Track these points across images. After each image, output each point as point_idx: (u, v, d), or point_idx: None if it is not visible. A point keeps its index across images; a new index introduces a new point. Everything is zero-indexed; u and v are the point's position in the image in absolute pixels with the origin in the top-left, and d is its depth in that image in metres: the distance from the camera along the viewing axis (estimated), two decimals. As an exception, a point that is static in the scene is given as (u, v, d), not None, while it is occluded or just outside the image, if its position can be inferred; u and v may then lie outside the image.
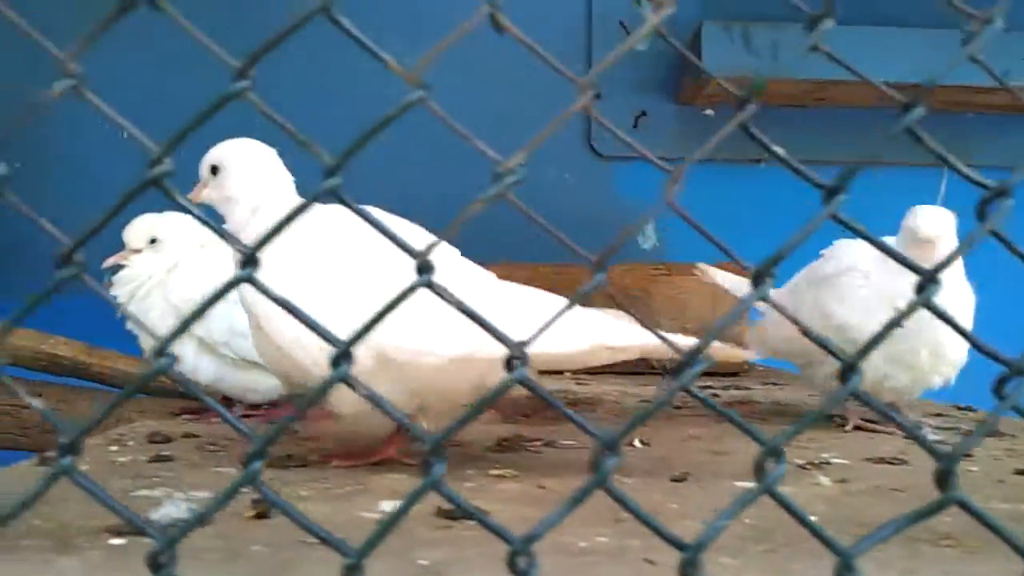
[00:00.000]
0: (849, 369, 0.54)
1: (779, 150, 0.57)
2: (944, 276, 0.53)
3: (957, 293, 1.21)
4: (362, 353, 0.86)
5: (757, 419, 1.33)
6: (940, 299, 0.54)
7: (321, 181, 0.49)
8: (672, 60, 2.82)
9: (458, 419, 0.55)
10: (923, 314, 0.54)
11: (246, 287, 0.52)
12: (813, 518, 0.72)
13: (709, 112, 2.80)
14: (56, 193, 2.74)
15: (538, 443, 1.10)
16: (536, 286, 1.04)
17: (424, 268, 0.50)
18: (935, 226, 1.17)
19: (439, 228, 0.52)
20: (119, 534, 0.68)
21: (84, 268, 0.49)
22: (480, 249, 1.03)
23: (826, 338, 0.56)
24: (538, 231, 0.54)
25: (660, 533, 0.54)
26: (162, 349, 0.50)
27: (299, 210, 0.49)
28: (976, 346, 0.55)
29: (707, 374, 2.02)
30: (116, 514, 0.53)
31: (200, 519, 0.53)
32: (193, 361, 1.34)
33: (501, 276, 1.05)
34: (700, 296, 2.06)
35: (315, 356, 0.89)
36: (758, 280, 0.55)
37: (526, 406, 1.35)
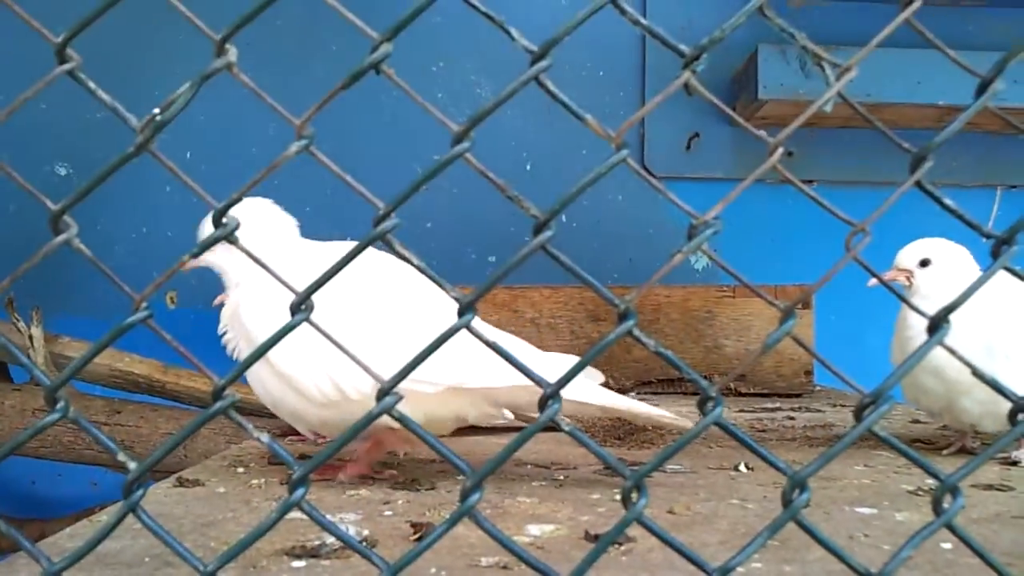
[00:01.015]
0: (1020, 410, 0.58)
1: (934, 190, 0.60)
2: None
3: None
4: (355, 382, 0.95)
5: (863, 446, 1.34)
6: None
7: (372, 227, 0.53)
8: (726, 82, 2.85)
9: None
10: None
11: (255, 323, 0.55)
12: (947, 545, 0.76)
13: (763, 134, 2.82)
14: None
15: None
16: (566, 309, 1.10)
17: (465, 311, 0.54)
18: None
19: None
20: (298, 556, 0.72)
21: (151, 315, 0.54)
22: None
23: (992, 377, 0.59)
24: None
25: (848, 563, 0.57)
26: (222, 388, 0.54)
27: (352, 255, 0.53)
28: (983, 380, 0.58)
29: (775, 395, 2.05)
30: (336, 536, 0.56)
31: (437, 536, 0.56)
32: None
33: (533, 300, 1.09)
34: (764, 319, 2.09)
35: (322, 389, 0.98)
36: (935, 327, 0.58)
37: (620, 429, 1.38)
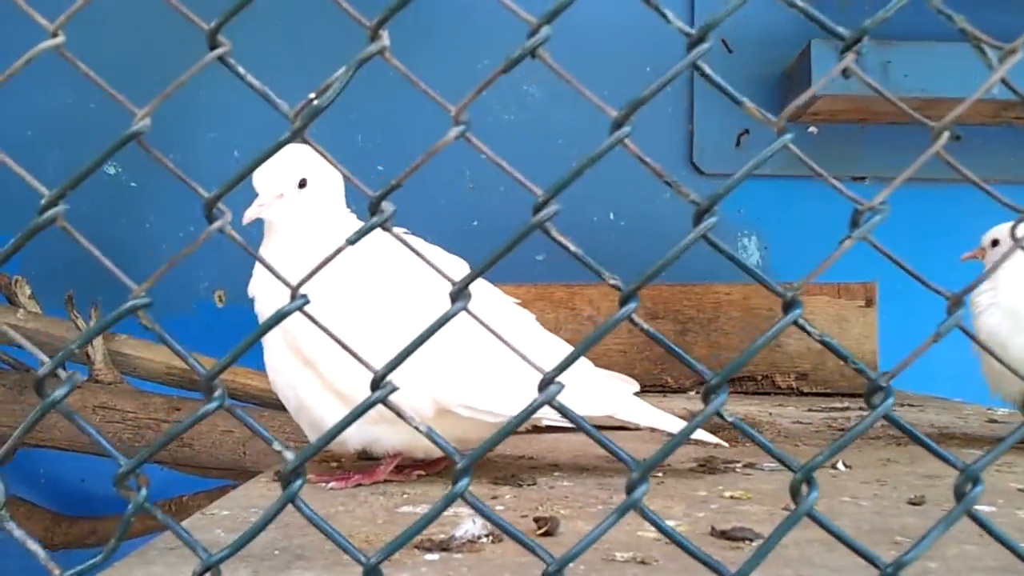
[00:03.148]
0: None
1: (969, 173, 0.59)
2: None
3: None
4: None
5: (951, 444, 1.32)
6: None
7: (368, 214, 0.53)
8: (777, 77, 2.82)
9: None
10: None
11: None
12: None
13: (813, 130, 2.80)
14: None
15: (739, 463, 1.11)
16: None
17: (458, 297, 0.53)
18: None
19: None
20: (428, 550, 0.71)
21: (149, 303, 0.54)
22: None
23: None
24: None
25: (1020, 555, 0.56)
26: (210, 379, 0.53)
27: (349, 244, 0.53)
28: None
29: (843, 395, 2.02)
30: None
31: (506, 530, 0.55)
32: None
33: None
34: (826, 316, 2.07)
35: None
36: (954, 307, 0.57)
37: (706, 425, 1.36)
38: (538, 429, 1.22)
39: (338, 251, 0.53)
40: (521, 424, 0.56)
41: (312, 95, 0.54)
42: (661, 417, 1.05)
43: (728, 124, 2.84)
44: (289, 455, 0.56)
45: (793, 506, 0.90)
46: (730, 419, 0.56)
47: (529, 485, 0.98)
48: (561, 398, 0.55)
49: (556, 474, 1.04)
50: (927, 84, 2.51)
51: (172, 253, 0.55)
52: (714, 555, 0.71)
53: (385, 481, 0.98)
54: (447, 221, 2.68)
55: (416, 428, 0.56)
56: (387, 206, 0.54)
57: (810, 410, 1.77)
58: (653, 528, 0.78)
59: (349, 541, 0.55)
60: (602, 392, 1.03)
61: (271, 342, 0.96)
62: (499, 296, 1.08)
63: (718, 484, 0.99)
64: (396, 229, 0.89)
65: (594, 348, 1.82)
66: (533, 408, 0.54)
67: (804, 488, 0.56)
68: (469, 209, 2.74)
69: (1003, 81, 0.59)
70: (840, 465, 1.11)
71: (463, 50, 2.63)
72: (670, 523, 0.81)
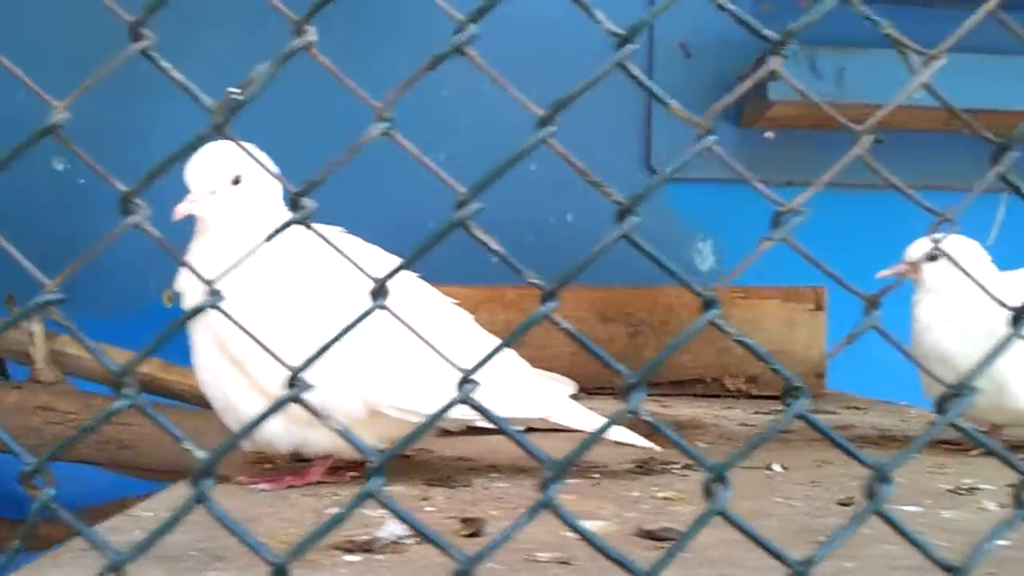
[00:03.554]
0: None
1: (895, 179, 0.60)
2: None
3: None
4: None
5: (871, 445, 1.34)
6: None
7: (288, 208, 0.52)
8: (734, 83, 2.85)
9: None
10: None
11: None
12: (1005, 543, 0.75)
13: (770, 135, 2.83)
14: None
15: (676, 465, 1.11)
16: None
17: (378, 295, 0.52)
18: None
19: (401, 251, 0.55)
20: (349, 551, 0.70)
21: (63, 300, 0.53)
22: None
23: None
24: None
25: (930, 556, 0.56)
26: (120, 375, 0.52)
27: (267, 240, 0.52)
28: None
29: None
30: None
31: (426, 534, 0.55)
32: None
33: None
34: (776, 320, 2.08)
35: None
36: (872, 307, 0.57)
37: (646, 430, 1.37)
38: (478, 430, 1.22)
39: (254, 249, 0.52)
40: (434, 423, 0.55)
41: (233, 89, 0.53)
42: (593, 420, 1.05)
43: (686, 127, 2.85)
44: (201, 454, 0.55)
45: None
46: (647, 418, 0.56)
47: (463, 486, 0.97)
48: (488, 399, 0.54)
49: (493, 475, 1.04)
50: (882, 90, 2.55)
51: (122, 251, 0.54)
52: (637, 555, 0.71)
53: (318, 483, 0.97)
54: (403, 221, 2.67)
55: (332, 428, 0.55)
56: (307, 202, 0.53)
57: (757, 412, 1.78)
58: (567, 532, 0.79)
59: (262, 542, 0.54)
60: (533, 394, 1.02)
61: (199, 342, 0.95)
62: (433, 295, 1.07)
63: (653, 485, 1.00)
64: (329, 228, 0.88)
65: (545, 350, 1.82)
66: (448, 406, 0.54)
67: (718, 487, 0.56)
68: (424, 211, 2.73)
69: (927, 87, 0.60)
70: (776, 466, 1.11)
71: (401, 46, 2.59)
72: (599, 523, 0.82)
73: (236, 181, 0.95)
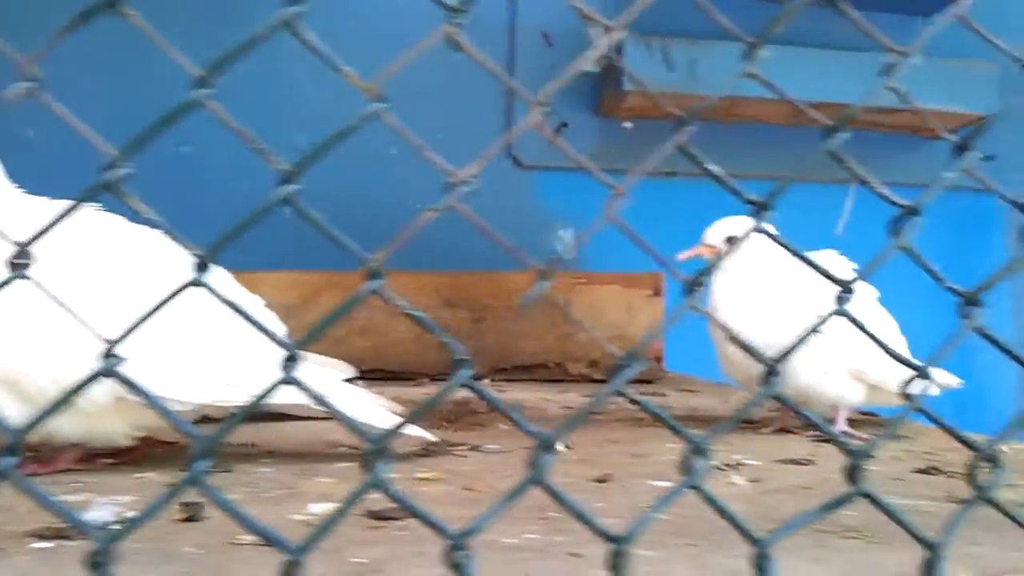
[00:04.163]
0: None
1: (714, 168, 0.60)
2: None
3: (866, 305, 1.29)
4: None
5: (688, 425, 1.36)
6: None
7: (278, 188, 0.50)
8: (593, 73, 2.87)
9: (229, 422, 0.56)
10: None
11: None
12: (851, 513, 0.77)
13: (628, 125, 2.87)
14: None
15: (463, 447, 1.11)
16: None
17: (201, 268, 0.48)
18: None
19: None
20: (42, 538, 0.67)
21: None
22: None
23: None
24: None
25: (592, 525, 0.57)
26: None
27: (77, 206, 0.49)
28: (886, 350, 0.59)
29: (634, 381, 2.06)
30: (58, 515, 0.52)
31: (144, 517, 0.53)
32: None
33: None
34: (616, 305, 2.11)
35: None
36: (691, 289, 0.58)
37: (451, 412, 1.36)
38: (274, 416, 1.19)
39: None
40: (70, 399, 0.52)
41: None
42: (365, 407, 1.02)
43: (548, 117, 2.88)
44: None
45: (475, 488, 0.90)
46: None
47: (223, 471, 0.95)
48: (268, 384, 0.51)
49: (264, 460, 1.02)
50: (735, 83, 2.61)
51: None
52: (357, 536, 0.70)
53: (70, 470, 0.93)
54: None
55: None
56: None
57: (590, 396, 1.80)
58: (306, 513, 0.77)
59: None
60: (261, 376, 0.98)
61: None
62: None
63: (422, 466, 0.99)
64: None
65: (387, 335, 1.80)
66: (87, 380, 0.51)
67: (376, 461, 0.55)
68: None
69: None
70: (560, 447, 1.12)
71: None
72: (332, 505, 0.80)
73: None
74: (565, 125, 2.92)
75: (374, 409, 1.03)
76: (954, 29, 0.60)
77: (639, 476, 0.96)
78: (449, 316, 2.06)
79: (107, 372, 0.52)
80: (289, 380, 0.54)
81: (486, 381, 2.04)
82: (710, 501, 0.58)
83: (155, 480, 0.90)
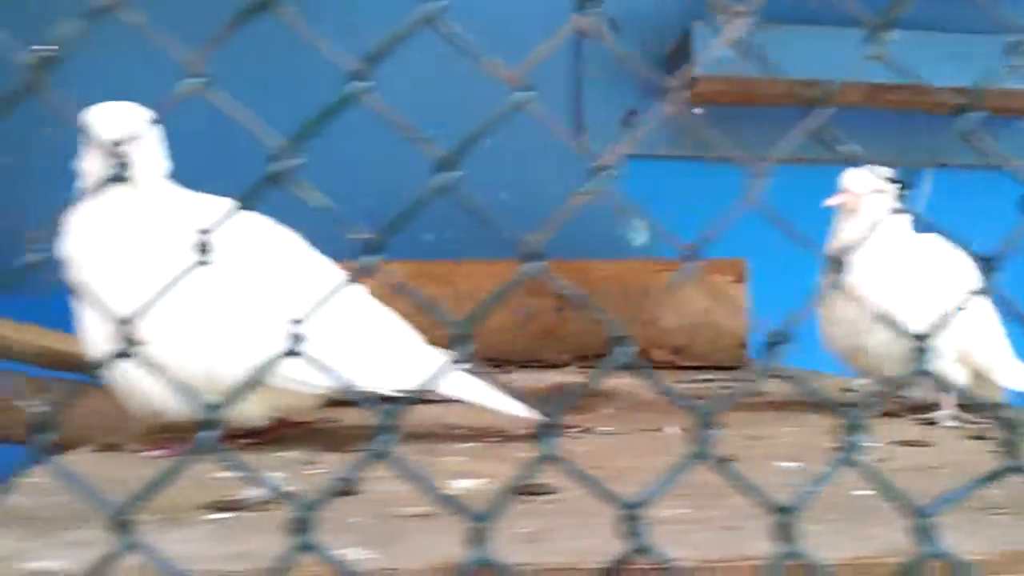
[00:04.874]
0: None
1: (853, 148, 0.61)
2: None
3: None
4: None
5: (796, 409, 1.36)
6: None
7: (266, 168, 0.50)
8: (660, 59, 2.87)
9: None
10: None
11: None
12: (866, 492, 0.78)
13: (699, 111, 2.86)
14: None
15: (576, 429, 1.14)
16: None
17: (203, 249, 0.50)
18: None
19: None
20: (219, 509, 0.71)
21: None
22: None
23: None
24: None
25: (759, 495, 0.58)
26: None
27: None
28: None
29: (710, 367, 2.07)
30: (260, 487, 0.56)
31: (343, 485, 0.56)
32: None
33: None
34: (698, 293, 2.11)
35: None
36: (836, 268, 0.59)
37: (548, 396, 1.39)
38: (386, 400, 1.22)
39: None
40: (258, 381, 0.56)
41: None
42: (484, 393, 1.05)
43: (616, 106, 2.88)
44: (38, 410, 0.55)
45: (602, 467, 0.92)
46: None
47: (357, 451, 0.98)
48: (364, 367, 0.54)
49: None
50: (806, 67, 2.59)
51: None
52: (503, 509, 0.73)
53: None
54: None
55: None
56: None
57: (678, 381, 1.81)
58: (455, 487, 0.80)
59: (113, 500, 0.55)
60: (413, 366, 1.01)
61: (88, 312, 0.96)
62: (322, 266, 1.06)
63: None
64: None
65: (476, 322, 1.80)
66: (273, 360, 0.54)
67: (547, 433, 0.57)
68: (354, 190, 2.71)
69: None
70: (667, 428, 1.14)
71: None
72: (480, 480, 0.83)
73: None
74: (635, 112, 2.92)
75: (489, 393, 1.06)
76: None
77: (763, 458, 0.97)
78: (532, 304, 2.09)
79: (294, 353, 0.55)
80: (459, 362, 0.57)
81: (571, 368, 2.06)
82: (873, 475, 0.60)
83: (297, 458, 0.93)
